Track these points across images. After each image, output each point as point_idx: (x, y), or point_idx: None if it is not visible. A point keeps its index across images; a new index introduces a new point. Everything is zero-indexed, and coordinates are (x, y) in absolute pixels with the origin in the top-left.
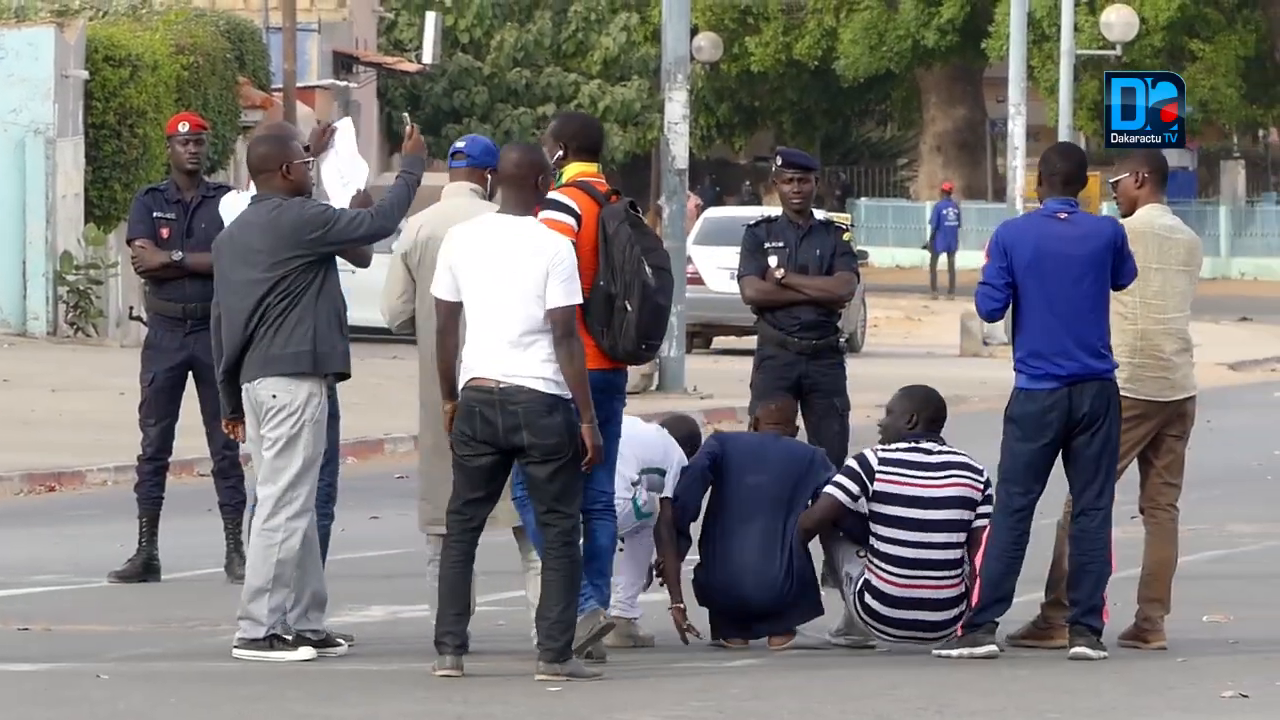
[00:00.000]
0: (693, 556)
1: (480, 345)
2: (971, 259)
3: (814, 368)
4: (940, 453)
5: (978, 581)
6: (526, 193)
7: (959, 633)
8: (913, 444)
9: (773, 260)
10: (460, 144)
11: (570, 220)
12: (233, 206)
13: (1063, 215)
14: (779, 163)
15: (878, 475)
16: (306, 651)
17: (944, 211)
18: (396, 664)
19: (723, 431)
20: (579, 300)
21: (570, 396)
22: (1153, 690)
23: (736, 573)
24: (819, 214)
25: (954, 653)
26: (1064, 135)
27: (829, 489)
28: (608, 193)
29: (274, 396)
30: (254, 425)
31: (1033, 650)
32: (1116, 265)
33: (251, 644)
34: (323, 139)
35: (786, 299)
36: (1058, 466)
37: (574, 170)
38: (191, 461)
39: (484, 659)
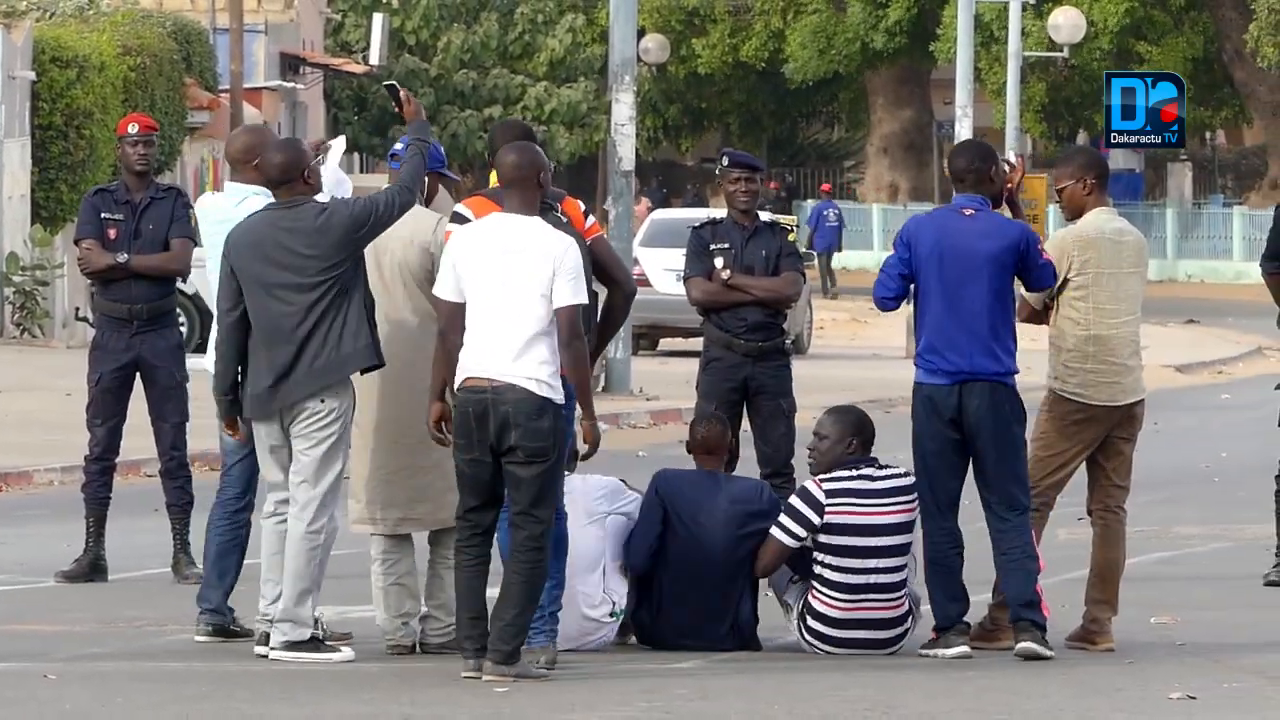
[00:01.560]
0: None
1: (478, 345)
2: (860, 259)
3: (760, 369)
4: (882, 478)
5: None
6: (529, 192)
7: (933, 635)
8: (854, 470)
9: (719, 261)
10: (397, 146)
11: (456, 228)
12: (215, 208)
13: (968, 211)
14: (725, 163)
15: (828, 508)
16: (348, 652)
17: (824, 212)
18: (344, 664)
19: (664, 473)
20: (585, 300)
21: (561, 401)
22: (1100, 692)
23: (683, 628)
24: (764, 215)
25: (930, 653)
26: (1011, 137)
27: (774, 533)
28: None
29: (322, 401)
30: (268, 426)
31: (981, 651)
32: (1024, 270)
33: (296, 646)
34: (315, 152)
35: (733, 300)
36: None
37: (494, 179)
38: (139, 462)
39: (430, 660)
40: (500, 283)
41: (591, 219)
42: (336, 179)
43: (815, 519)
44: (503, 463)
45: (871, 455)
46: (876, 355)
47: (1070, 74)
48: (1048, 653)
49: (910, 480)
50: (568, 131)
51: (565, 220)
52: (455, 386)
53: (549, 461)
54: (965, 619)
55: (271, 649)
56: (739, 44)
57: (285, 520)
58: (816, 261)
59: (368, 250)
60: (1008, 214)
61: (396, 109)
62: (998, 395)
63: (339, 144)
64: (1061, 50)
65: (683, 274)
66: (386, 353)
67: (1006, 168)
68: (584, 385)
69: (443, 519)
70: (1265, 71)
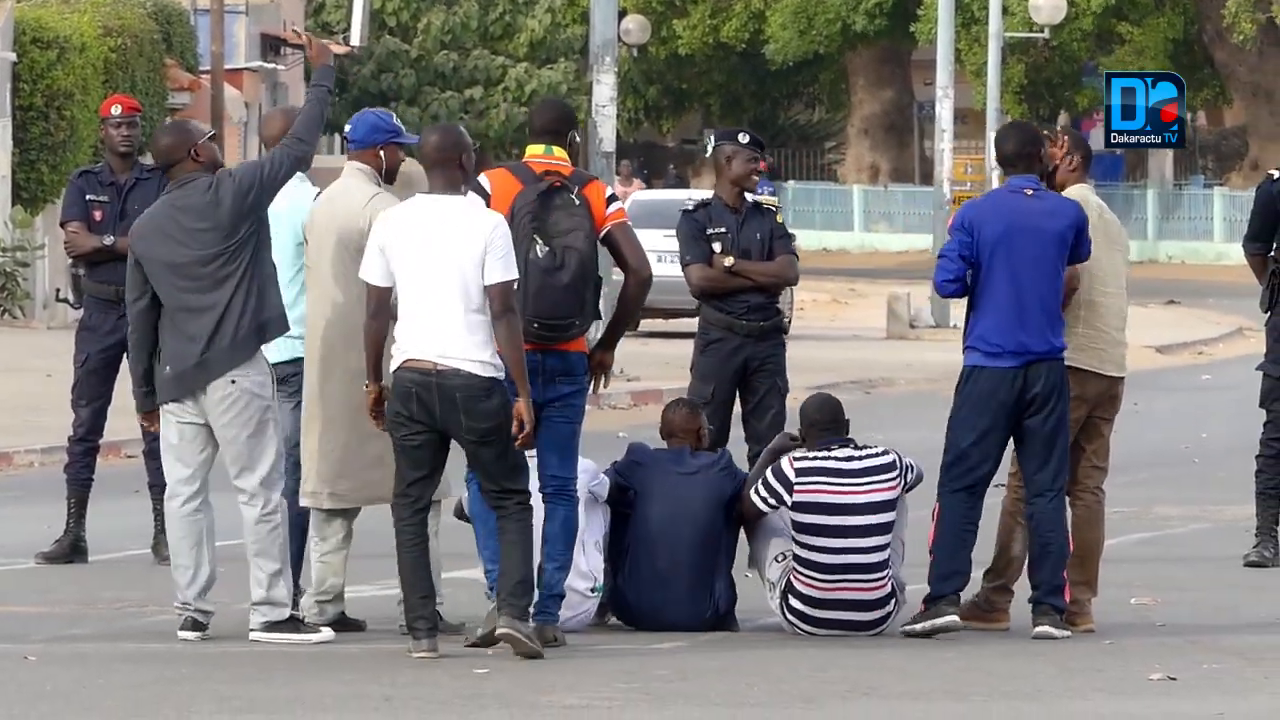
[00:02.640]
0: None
1: (416, 326)
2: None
3: (760, 349)
4: (858, 458)
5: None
6: (451, 172)
7: (921, 607)
8: (826, 450)
9: (718, 247)
10: (347, 127)
11: (478, 201)
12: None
13: (1029, 192)
14: (744, 141)
15: (796, 487)
16: (327, 633)
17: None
18: (323, 645)
19: (636, 447)
20: (515, 275)
21: (504, 377)
22: (1080, 672)
23: (663, 604)
24: (749, 196)
25: (917, 626)
26: (992, 118)
27: (749, 493)
28: (543, 173)
29: (233, 382)
30: (185, 405)
31: (969, 630)
32: (1077, 244)
33: (276, 627)
34: None
35: (735, 286)
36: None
37: (527, 152)
38: (120, 443)
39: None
40: (433, 264)
41: (616, 204)
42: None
43: (785, 495)
44: (463, 445)
45: (847, 436)
46: (857, 336)
47: (1051, 55)
48: (1065, 634)
49: (890, 459)
50: None
51: (582, 204)
52: (393, 367)
53: (503, 438)
54: (957, 593)
55: (251, 630)
56: (719, 25)
57: (197, 509)
58: None
59: (317, 236)
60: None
61: (306, 53)
62: (1057, 373)
63: None
64: (1042, 31)
65: (681, 259)
66: (327, 331)
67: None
68: (516, 361)
69: (370, 496)
70: (1245, 52)
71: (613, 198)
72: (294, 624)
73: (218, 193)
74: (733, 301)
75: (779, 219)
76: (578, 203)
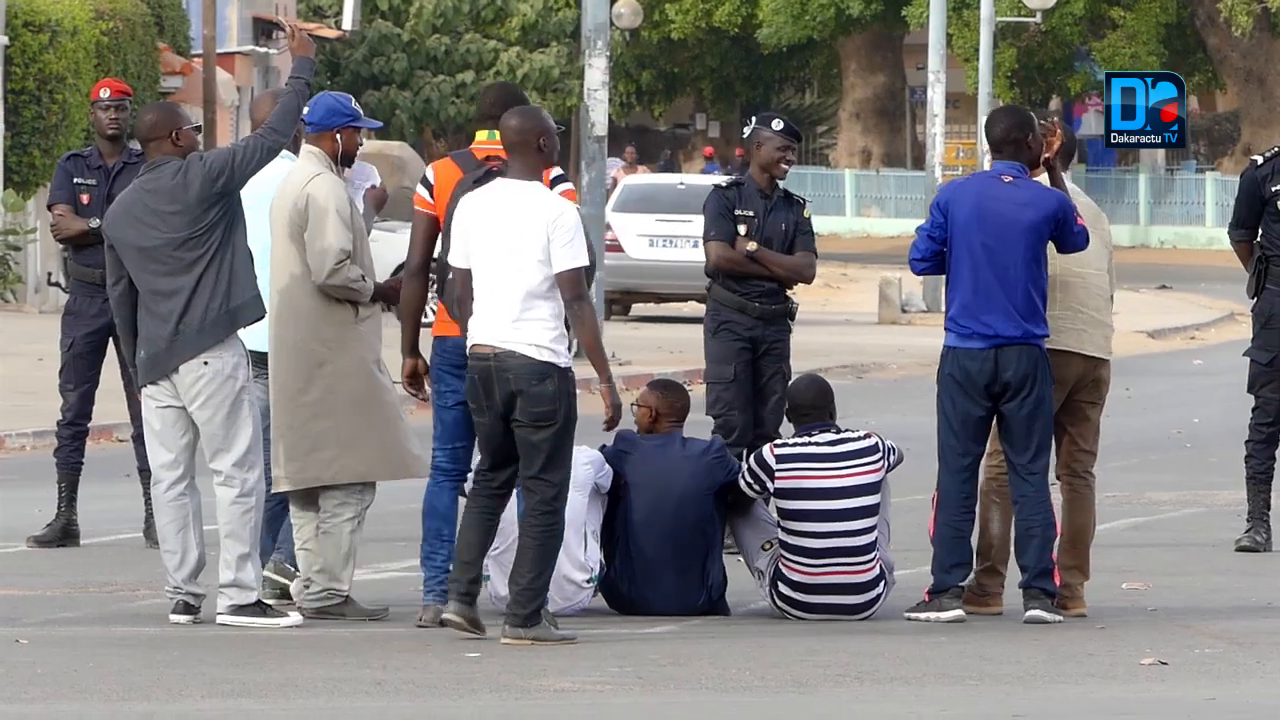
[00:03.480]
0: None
1: (482, 311)
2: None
3: (770, 332)
4: (839, 441)
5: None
6: (529, 156)
7: (925, 598)
8: (807, 436)
9: (742, 229)
10: (305, 110)
11: (422, 191)
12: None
13: (1007, 179)
14: (776, 128)
15: (777, 473)
16: (295, 617)
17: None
18: (318, 629)
19: (625, 434)
20: (585, 262)
21: (566, 365)
22: (1072, 657)
23: (654, 590)
24: (780, 185)
25: (921, 616)
26: (983, 103)
27: (739, 481)
28: (484, 159)
29: (205, 364)
30: (161, 387)
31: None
32: (1060, 236)
33: (241, 610)
34: None
35: (751, 270)
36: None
37: (475, 139)
38: (110, 426)
39: (403, 624)
40: (499, 249)
41: (561, 187)
42: (360, 169)
43: (768, 482)
44: (512, 427)
45: (830, 421)
46: (849, 321)
47: (1043, 39)
48: (1057, 618)
49: (872, 442)
50: (540, 97)
51: None
52: (467, 351)
53: (555, 425)
54: (962, 585)
55: (218, 614)
56: (712, 9)
57: (183, 493)
58: None
59: (273, 217)
60: (1045, 181)
61: (286, 41)
62: (1031, 358)
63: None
64: (1034, 15)
65: (704, 233)
66: (272, 311)
67: (1044, 133)
68: (592, 347)
69: (308, 478)
70: (1238, 37)
71: (558, 180)
72: (260, 608)
73: (186, 175)
74: (747, 284)
75: (807, 214)
76: None
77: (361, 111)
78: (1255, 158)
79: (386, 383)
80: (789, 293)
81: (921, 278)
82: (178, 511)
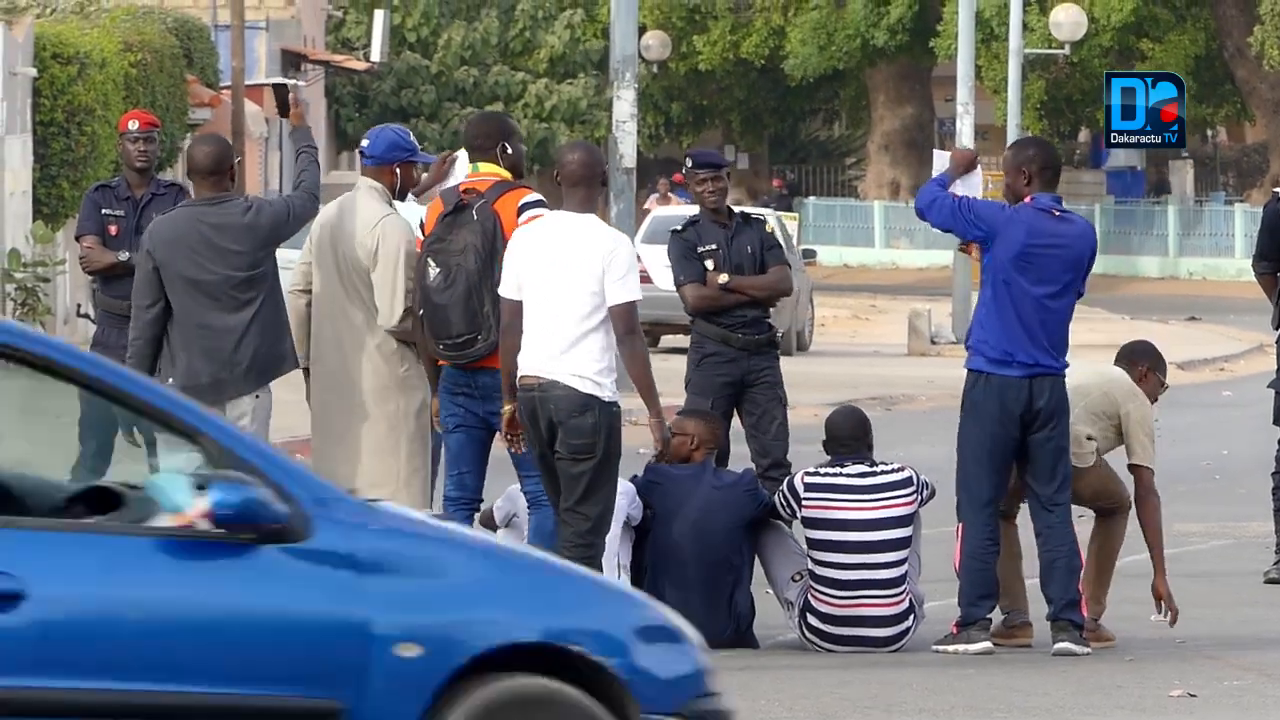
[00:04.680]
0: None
1: (530, 343)
2: (860, 256)
3: (755, 362)
4: (871, 474)
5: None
6: (592, 189)
7: (953, 630)
8: (839, 467)
9: (709, 264)
10: (365, 142)
11: (417, 233)
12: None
13: (1056, 213)
14: (689, 164)
15: (805, 502)
16: None
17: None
18: None
19: (654, 465)
20: (637, 296)
21: (610, 399)
22: (1101, 689)
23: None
24: (736, 209)
25: (950, 648)
26: (1013, 134)
27: (775, 500)
28: (463, 191)
29: (257, 396)
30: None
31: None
32: (1088, 269)
33: None
34: (443, 166)
35: (731, 302)
36: None
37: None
38: None
39: None
40: (551, 281)
41: (532, 212)
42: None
43: (796, 509)
44: (555, 458)
45: (864, 453)
46: (878, 352)
47: (1071, 71)
48: (1085, 650)
49: (906, 475)
50: (568, 128)
51: (482, 219)
52: (516, 381)
53: (593, 459)
54: (989, 616)
55: None
56: (740, 40)
57: None
58: None
59: (319, 250)
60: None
61: (280, 111)
62: (1060, 388)
63: (463, 156)
64: (1063, 47)
65: (675, 280)
66: (334, 349)
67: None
68: (641, 382)
69: None
70: (1266, 69)
71: (529, 205)
72: None
73: (258, 216)
74: (728, 316)
75: (768, 229)
76: (476, 218)
77: (418, 146)
78: (1277, 189)
79: (430, 426)
80: (770, 321)
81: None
82: None
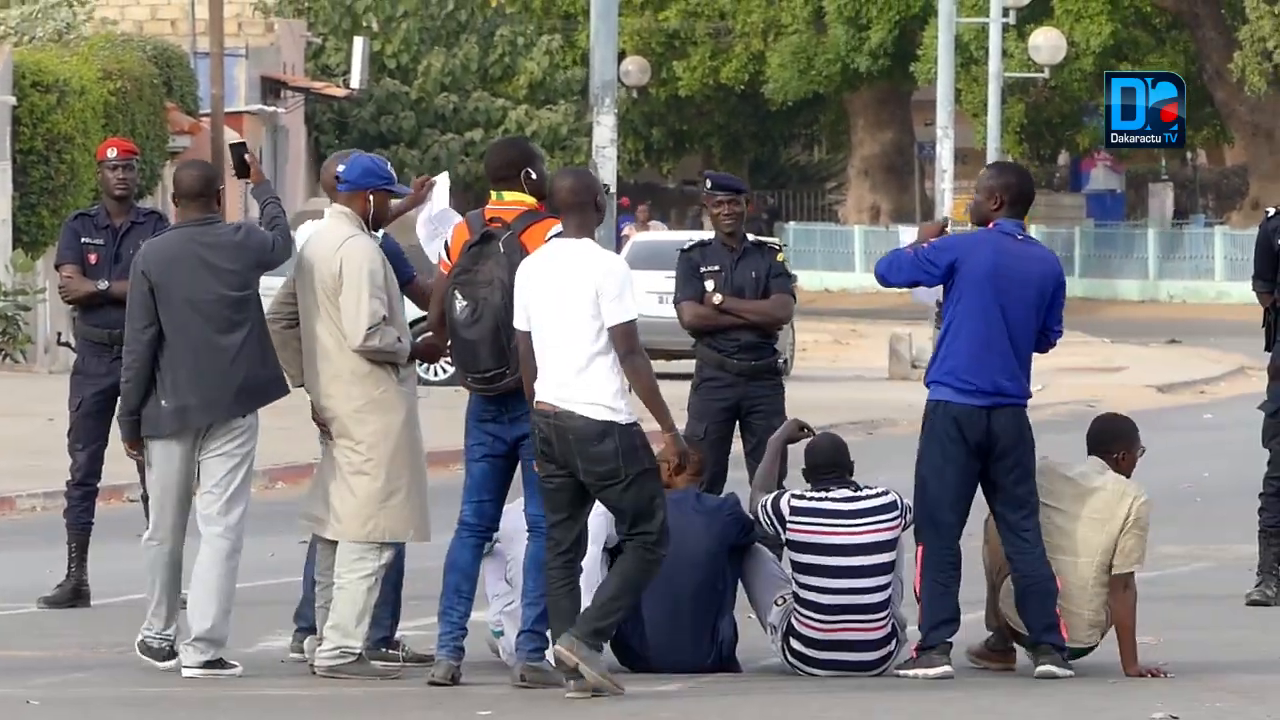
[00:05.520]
0: None
1: (543, 370)
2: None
3: (754, 389)
4: (856, 499)
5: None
6: (587, 214)
7: (914, 654)
8: (824, 491)
9: (709, 284)
10: (340, 168)
11: (443, 253)
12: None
13: (1019, 237)
14: (708, 185)
15: (790, 525)
16: (239, 669)
17: (624, 225)
18: (328, 689)
19: None
20: (633, 315)
21: (628, 420)
22: (1084, 711)
23: (665, 647)
24: (750, 236)
25: (910, 673)
26: (992, 158)
27: (756, 509)
28: (489, 220)
29: (244, 417)
30: (181, 444)
31: (981, 670)
32: (1054, 303)
33: (212, 665)
34: (421, 191)
35: (725, 323)
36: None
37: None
38: (120, 487)
39: (415, 682)
40: (554, 309)
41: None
42: (443, 214)
43: (780, 531)
44: (584, 486)
45: (848, 478)
46: (859, 377)
47: (1051, 95)
48: (1067, 673)
49: (890, 499)
50: (548, 155)
51: (509, 252)
52: (531, 410)
53: (624, 480)
54: (950, 640)
55: (185, 667)
56: (719, 66)
57: (177, 549)
58: None
59: (297, 278)
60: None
61: (238, 173)
62: (1021, 419)
63: (443, 180)
64: (1042, 71)
65: (674, 298)
66: (312, 375)
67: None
68: (650, 401)
69: (338, 531)
70: (1246, 94)
71: (557, 237)
72: (221, 664)
73: (249, 236)
74: (724, 340)
75: (780, 258)
76: (503, 250)
77: (395, 176)
78: (1269, 209)
79: (420, 443)
80: (775, 347)
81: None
82: (174, 569)
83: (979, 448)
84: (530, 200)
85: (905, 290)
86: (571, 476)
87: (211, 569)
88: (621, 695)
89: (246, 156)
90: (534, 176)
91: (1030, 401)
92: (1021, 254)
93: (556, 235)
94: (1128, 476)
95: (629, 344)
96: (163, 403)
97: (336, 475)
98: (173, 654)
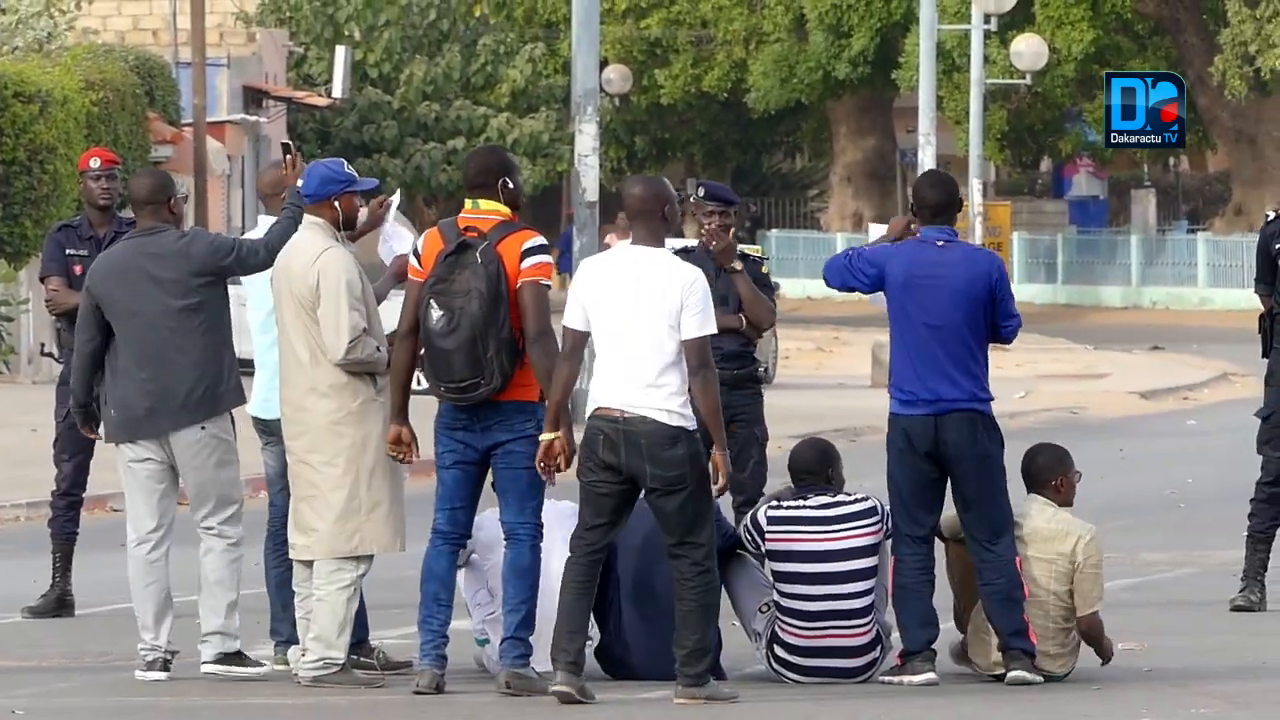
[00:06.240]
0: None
1: (608, 376)
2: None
3: (735, 397)
4: (835, 504)
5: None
6: (655, 223)
7: (898, 661)
8: (802, 499)
9: None
10: (299, 181)
11: (413, 260)
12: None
13: (940, 243)
14: (700, 194)
15: (768, 535)
16: (268, 667)
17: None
18: (312, 698)
19: None
20: (713, 331)
21: (694, 428)
22: (1068, 718)
23: (649, 655)
24: (738, 247)
25: (894, 679)
26: (974, 165)
27: (743, 538)
28: (464, 229)
29: (203, 429)
30: (146, 445)
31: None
32: (996, 299)
33: (228, 659)
34: (379, 211)
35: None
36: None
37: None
38: (105, 496)
39: (399, 692)
40: (629, 314)
41: (533, 260)
42: (396, 232)
43: (759, 543)
44: (646, 497)
45: (827, 485)
46: (842, 385)
47: (1033, 101)
48: (1038, 679)
49: (870, 504)
50: (530, 162)
51: (485, 262)
52: (587, 415)
53: (688, 488)
54: (933, 645)
55: (203, 664)
56: (701, 74)
57: (164, 555)
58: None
59: (274, 285)
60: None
61: (284, 169)
62: (975, 424)
63: (395, 200)
64: (1024, 77)
65: None
66: (289, 388)
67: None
68: (709, 414)
69: (327, 549)
70: (1228, 98)
71: (531, 251)
72: (241, 657)
73: (191, 245)
74: None
75: (765, 270)
76: (480, 261)
77: (356, 175)
78: (1269, 212)
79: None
80: (755, 356)
81: None
82: (160, 573)
83: (930, 456)
84: (506, 211)
85: (866, 296)
86: (625, 483)
87: (212, 566)
88: (736, 699)
89: (287, 159)
90: (510, 186)
91: (1012, 409)
92: (939, 261)
93: (535, 249)
94: (1069, 503)
95: (702, 357)
96: (112, 412)
97: (316, 493)
98: (167, 665)
